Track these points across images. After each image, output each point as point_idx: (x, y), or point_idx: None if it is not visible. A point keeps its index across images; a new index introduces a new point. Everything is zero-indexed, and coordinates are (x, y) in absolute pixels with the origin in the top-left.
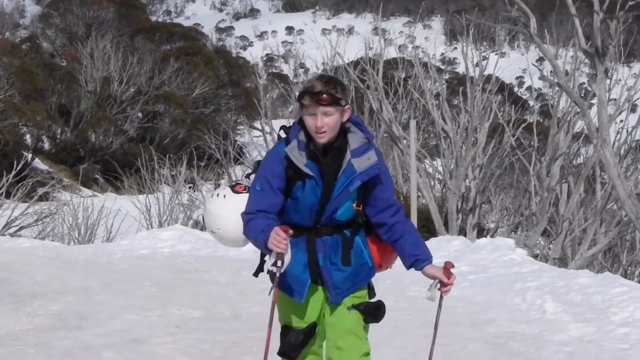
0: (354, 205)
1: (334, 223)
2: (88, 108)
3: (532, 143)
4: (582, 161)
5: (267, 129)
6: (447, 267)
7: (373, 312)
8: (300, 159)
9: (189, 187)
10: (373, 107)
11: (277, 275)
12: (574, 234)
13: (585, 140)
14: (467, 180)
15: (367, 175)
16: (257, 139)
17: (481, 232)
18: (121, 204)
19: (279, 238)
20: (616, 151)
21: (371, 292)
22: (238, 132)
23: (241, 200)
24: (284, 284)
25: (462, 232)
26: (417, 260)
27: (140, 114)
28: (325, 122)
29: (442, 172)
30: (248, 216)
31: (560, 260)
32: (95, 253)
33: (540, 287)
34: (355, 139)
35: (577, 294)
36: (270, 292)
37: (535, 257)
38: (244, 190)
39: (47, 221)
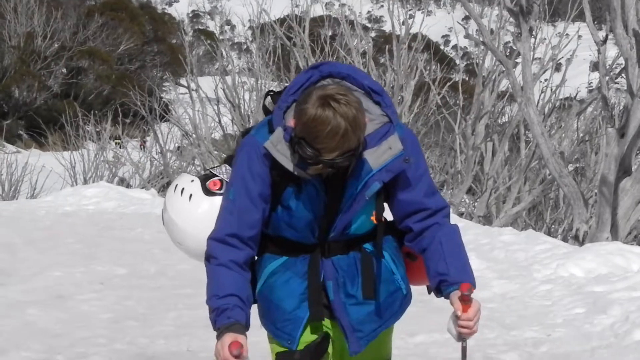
0: (372, 217)
1: (348, 238)
2: (11, 63)
3: (457, 102)
4: (506, 120)
5: (192, 85)
6: (462, 292)
7: None
8: (288, 157)
9: (115, 144)
10: (299, 65)
11: None
12: (499, 192)
13: (510, 98)
14: None
15: (390, 173)
16: (183, 96)
17: None
18: (45, 160)
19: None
20: (540, 110)
21: None
22: (164, 88)
23: (214, 206)
24: (269, 321)
25: None
26: (443, 281)
27: (64, 70)
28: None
29: None
30: (214, 245)
31: (484, 218)
32: (19, 209)
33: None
34: (369, 120)
35: (500, 251)
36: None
37: (460, 214)
38: (220, 188)
39: None
